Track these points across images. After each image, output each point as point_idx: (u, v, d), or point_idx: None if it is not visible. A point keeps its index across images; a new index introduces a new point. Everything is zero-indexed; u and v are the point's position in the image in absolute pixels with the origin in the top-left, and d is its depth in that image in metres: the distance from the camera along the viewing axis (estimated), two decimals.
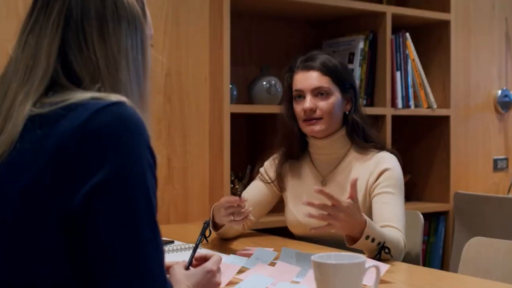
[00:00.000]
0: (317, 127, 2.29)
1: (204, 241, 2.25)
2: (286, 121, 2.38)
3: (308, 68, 2.30)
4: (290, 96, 2.36)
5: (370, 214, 2.25)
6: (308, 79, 2.29)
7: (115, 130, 1.06)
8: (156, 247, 1.09)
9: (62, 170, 1.04)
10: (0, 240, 1.07)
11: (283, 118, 2.39)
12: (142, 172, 1.07)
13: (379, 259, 1.94)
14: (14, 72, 1.15)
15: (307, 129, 2.31)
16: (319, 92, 2.28)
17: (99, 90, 1.12)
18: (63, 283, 1.05)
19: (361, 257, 1.46)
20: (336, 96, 2.30)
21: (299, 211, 2.39)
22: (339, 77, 2.30)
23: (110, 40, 1.16)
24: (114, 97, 1.10)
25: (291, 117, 2.37)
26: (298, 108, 2.31)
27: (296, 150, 2.41)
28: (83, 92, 1.11)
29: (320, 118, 2.28)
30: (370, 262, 1.51)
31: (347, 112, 2.34)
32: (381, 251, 1.97)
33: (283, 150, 2.44)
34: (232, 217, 2.08)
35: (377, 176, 2.26)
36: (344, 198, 2.29)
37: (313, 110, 2.28)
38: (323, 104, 2.28)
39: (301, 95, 2.31)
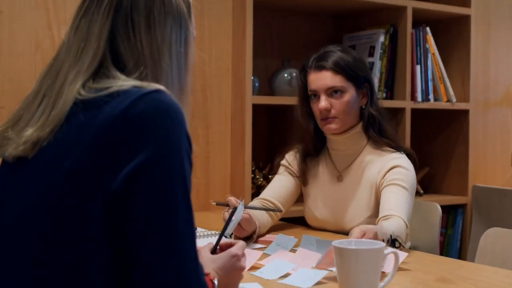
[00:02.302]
0: (333, 125, 2.30)
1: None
2: (301, 119, 2.41)
3: (320, 68, 2.30)
4: (304, 94, 2.38)
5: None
6: (321, 79, 2.30)
7: (156, 116, 1.11)
8: (190, 228, 1.13)
9: (104, 153, 1.09)
10: (42, 220, 1.12)
11: (298, 117, 2.42)
12: (180, 156, 1.12)
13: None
14: (66, 53, 1.23)
15: (324, 128, 2.33)
16: (332, 92, 2.29)
17: (141, 75, 1.19)
18: (101, 264, 1.10)
19: (381, 244, 1.50)
20: (350, 94, 2.30)
21: (316, 207, 2.43)
22: (352, 73, 2.30)
23: (156, 31, 1.23)
24: (154, 86, 1.16)
25: (306, 116, 2.39)
26: (315, 107, 2.33)
27: (312, 148, 2.43)
28: (125, 79, 1.17)
29: (335, 117, 2.30)
30: (389, 249, 1.55)
31: (363, 106, 2.35)
32: (394, 245, 1.96)
33: (302, 146, 2.49)
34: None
35: (385, 173, 2.25)
36: (359, 194, 2.33)
37: (328, 110, 2.29)
38: (337, 103, 2.29)
39: (316, 95, 2.33)
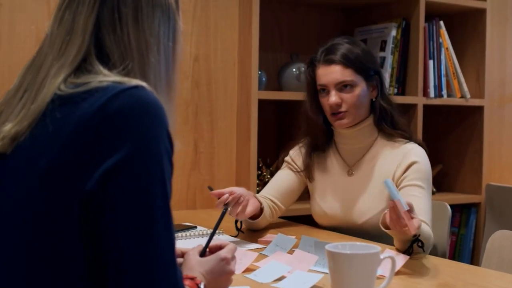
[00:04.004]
0: (345, 121, 2.25)
1: (223, 227, 2.25)
2: (310, 114, 2.34)
3: (330, 62, 2.25)
4: (313, 88, 2.33)
5: None
6: (330, 73, 2.24)
7: (134, 112, 1.07)
8: (167, 232, 1.08)
9: (80, 151, 1.05)
10: (18, 219, 1.08)
11: (307, 111, 2.36)
12: (158, 155, 1.07)
13: (411, 252, 1.90)
14: (50, 46, 1.19)
15: (335, 123, 2.28)
16: (342, 86, 2.24)
17: (125, 68, 1.15)
18: (75, 266, 1.06)
19: (376, 248, 1.44)
20: (360, 87, 2.25)
21: (326, 202, 2.36)
22: (362, 66, 2.25)
23: (144, 24, 1.19)
24: (135, 82, 1.11)
25: (315, 110, 2.33)
26: (325, 102, 2.28)
27: (321, 142, 2.38)
28: (106, 75, 1.13)
29: (346, 111, 2.24)
30: (386, 253, 1.48)
31: (373, 99, 2.30)
32: (413, 244, 1.91)
33: (308, 141, 2.42)
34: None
35: (404, 169, 2.21)
36: (371, 187, 2.27)
37: (338, 105, 2.24)
38: (348, 97, 2.23)
39: (325, 89, 2.27)
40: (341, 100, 2.24)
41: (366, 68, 2.27)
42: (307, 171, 2.42)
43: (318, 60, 2.29)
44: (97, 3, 1.18)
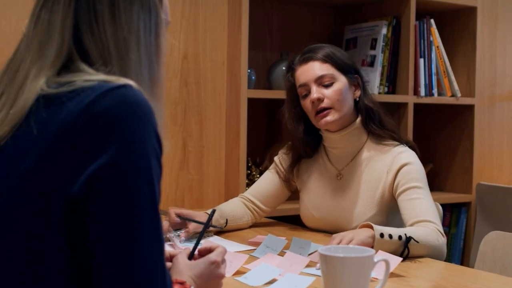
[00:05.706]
0: (329, 118, 2.19)
1: (218, 228, 2.21)
2: (289, 124, 2.30)
3: (307, 59, 2.23)
4: (292, 95, 2.29)
5: (389, 211, 2.20)
6: (309, 70, 2.22)
7: (120, 112, 1.03)
8: (156, 236, 1.05)
9: (65, 152, 1.02)
10: (3, 221, 1.05)
11: (286, 120, 2.31)
12: (146, 157, 1.03)
13: (407, 255, 1.87)
14: (27, 48, 1.13)
15: (320, 122, 2.21)
16: (323, 81, 2.21)
17: (106, 68, 1.10)
18: (62, 272, 1.03)
19: (370, 251, 1.41)
20: (341, 82, 2.21)
21: (314, 206, 2.33)
22: (340, 62, 2.23)
23: (121, 20, 1.13)
24: (123, 81, 1.07)
25: (295, 118, 2.29)
26: (307, 103, 2.23)
27: (303, 152, 2.34)
28: (92, 74, 1.09)
29: (330, 108, 2.20)
30: (380, 256, 1.45)
31: (357, 99, 2.26)
32: (407, 245, 1.88)
33: (293, 151, 2.38)
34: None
35: (395, 174, 2.17)
36: (361, 191, 2.23)
37: (320, 100, 2.19)
38: (329, 92, 2.19)
39: (307, 91, 2.23)
40: (323, 95, 2.19)
41: (344, 64, 2.24)
42: (288, 183, 2.40)
43: (296, 63, 2.27)
44: (73, 2, 1.12)
